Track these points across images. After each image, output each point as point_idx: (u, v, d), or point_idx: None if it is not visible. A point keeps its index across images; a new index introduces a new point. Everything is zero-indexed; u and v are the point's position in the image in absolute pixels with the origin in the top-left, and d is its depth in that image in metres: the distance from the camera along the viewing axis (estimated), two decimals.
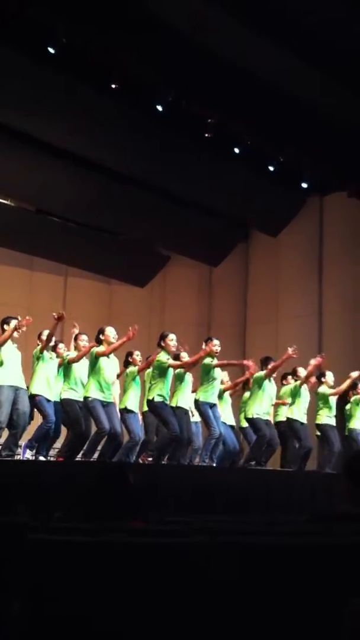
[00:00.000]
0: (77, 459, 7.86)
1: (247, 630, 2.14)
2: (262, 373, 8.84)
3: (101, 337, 7.68)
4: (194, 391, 8.73)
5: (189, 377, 8.72)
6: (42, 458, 7.64)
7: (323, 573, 2.23)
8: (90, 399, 7.49)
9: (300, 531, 3.07)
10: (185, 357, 8.61)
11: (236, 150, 11.77)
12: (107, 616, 2.05)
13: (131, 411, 8.35)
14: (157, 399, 7.90)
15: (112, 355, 7.73)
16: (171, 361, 8.07)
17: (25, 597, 2.03)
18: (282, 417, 9.57)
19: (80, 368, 7.84)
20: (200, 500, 6.96)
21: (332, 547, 2.39)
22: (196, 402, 8.45)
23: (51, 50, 9.27)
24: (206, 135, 11.19)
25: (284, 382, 9.83)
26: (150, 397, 7.95)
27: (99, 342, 7.68)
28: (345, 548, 2.33)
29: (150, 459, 7.96)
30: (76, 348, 7.92)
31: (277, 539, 2.65)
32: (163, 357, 7.99)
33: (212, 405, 8.44)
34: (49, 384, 7.69)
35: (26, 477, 6.50)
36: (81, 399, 7.67)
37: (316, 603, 2.13)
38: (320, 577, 2.22)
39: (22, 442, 7.77)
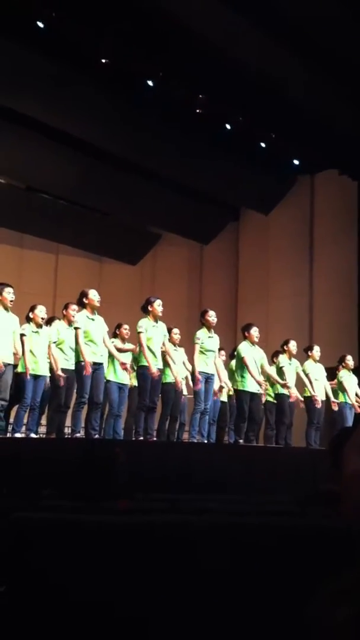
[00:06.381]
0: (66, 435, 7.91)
1: (235, 611, 2.16)
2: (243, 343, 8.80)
3: (85, 300, 7.65)
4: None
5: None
6: (33, 435, 7.65)
7: (309, 555, 2.25)
8: (82, 363, 7.55)
9: (288, 511, 3.10)
10: (177, 332, 8.74)
11: (227, 126, 11.70)
12: (96, 596, 2.07)
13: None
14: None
15: (97, 316, 7.75)
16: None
17: (10, 577, 2.04)
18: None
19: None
20: (187, 478, 6.98)
21: (320, 528, 2.41)
22: (193, 373, 8.48)
23: (40, 24, 9.16)
24: (197, 111, 11.10)
25: (274, 359, 9.81)
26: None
27: (83, 305, 7.66)
28: (329, 530, 2.35)
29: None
30: (65, 317, 8.00)
31: (265, 519, 2.67)
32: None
33: (208, 378, 8.47)
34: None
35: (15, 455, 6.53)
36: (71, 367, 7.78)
37: (300, 586, 2.16)
38: (306, 559, 2.24)
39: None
